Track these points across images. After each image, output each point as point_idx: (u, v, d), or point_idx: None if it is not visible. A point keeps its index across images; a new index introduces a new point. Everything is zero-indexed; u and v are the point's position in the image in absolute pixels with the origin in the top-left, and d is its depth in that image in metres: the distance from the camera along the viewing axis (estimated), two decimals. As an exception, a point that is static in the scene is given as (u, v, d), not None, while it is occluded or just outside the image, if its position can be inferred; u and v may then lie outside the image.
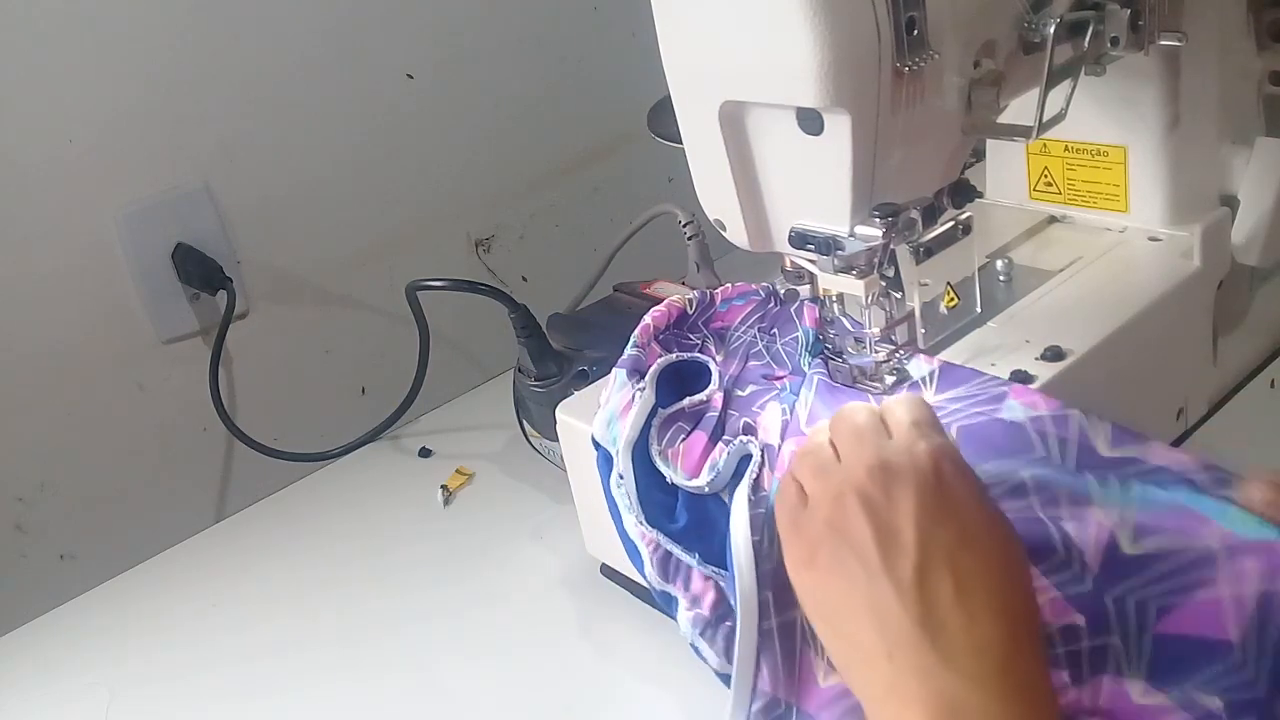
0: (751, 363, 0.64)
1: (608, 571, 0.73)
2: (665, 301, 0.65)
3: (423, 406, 0.98)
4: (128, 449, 1.02)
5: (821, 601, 0.48)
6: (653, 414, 0.60)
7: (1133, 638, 0.49)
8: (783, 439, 0.57)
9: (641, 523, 0.58)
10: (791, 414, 0.58)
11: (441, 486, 0.86)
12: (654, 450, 0.59)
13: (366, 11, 1.08)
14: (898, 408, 0.51)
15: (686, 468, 0.58)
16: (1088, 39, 0.59)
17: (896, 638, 0.45)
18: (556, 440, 0.71)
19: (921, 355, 0.60)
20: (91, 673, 0.75)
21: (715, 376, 0.62)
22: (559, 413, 0.69)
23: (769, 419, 0.58)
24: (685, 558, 0.57)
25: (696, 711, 0.63)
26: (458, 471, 0.88)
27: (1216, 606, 0.47)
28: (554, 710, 0.65)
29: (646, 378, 0.61)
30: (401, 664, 0.71)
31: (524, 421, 0.83)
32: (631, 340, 0.63)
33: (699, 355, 0.63)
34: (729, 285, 0.68)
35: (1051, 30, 0.56)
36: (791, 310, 0.65)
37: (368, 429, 0.97)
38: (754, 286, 0.67)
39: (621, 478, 0.59)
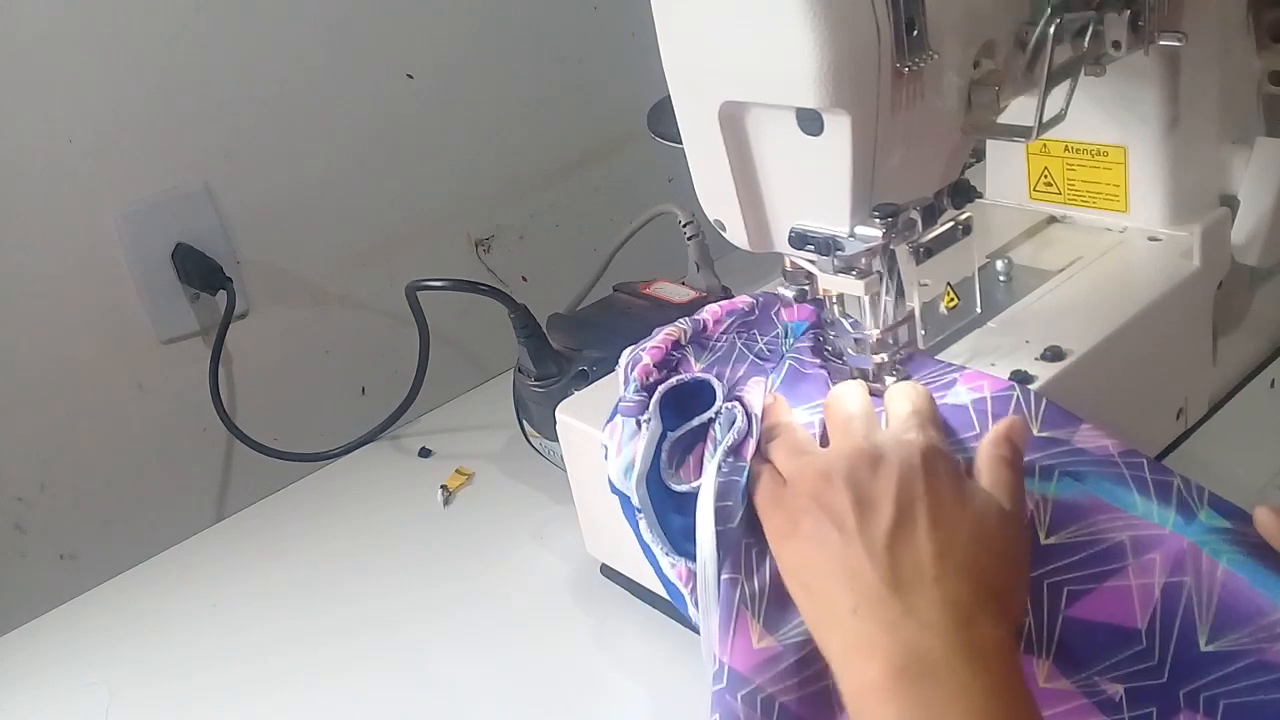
0: (738, 366, 0.62)
1: (608, 571, 0.73)
2: (661, 335, 0.63)
3: (422, 406, 0.98)
4: (128, 449, 1.02)
5: (800, 567, 0.50)
6: (662, 438, 0.58)
7: (1045, 619, 0.50)
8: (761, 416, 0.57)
9: (670, 554, 0.57)
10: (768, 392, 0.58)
11: (441, 486, 0.86)
12: (667, 475, 0.58)
13: (366, 11, 1.08)
14: (900, 395, 0.55)
15: (697, 475, 0.57)
16: (1088, 39, 0.59)
17: (863, 594, 0.47)
18: (556, 440, 0.71)
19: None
20: (91, 673, 0.75)
21: (720, 392, 0.60)
22: (559, 413, 0.69)
23: (752, 394, 0.58)
24: None
25: (697, 711, 0.63)
26: (458, 471, 0.88)
27: (1126, 594, 0.49)
28: (553, 710, 0.65)
29: (650, 408, 0.59)
30: (401, 664, 0.71)
31: (524, 421, 0.83)
32: (632, 385, 0.61)
33: (700, 375, 0.62)
34: (718, 307, 0.65)
35: (1051, 30, 0.56)
36: (772, 314, 0.64)
37: (368, 429, 0.97)
38: (739, 304, 0.65)
39: (640, 511, 0.58)
